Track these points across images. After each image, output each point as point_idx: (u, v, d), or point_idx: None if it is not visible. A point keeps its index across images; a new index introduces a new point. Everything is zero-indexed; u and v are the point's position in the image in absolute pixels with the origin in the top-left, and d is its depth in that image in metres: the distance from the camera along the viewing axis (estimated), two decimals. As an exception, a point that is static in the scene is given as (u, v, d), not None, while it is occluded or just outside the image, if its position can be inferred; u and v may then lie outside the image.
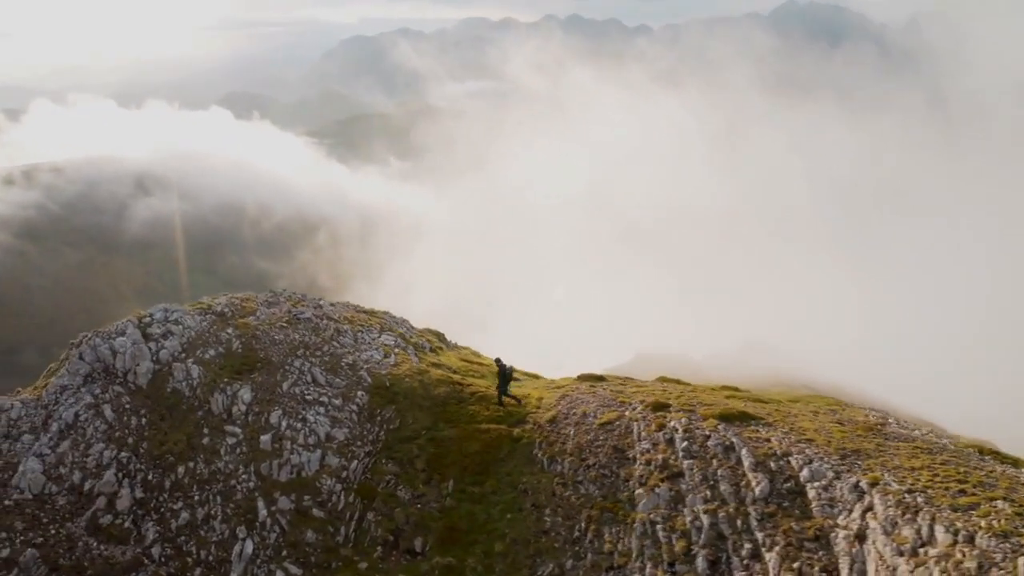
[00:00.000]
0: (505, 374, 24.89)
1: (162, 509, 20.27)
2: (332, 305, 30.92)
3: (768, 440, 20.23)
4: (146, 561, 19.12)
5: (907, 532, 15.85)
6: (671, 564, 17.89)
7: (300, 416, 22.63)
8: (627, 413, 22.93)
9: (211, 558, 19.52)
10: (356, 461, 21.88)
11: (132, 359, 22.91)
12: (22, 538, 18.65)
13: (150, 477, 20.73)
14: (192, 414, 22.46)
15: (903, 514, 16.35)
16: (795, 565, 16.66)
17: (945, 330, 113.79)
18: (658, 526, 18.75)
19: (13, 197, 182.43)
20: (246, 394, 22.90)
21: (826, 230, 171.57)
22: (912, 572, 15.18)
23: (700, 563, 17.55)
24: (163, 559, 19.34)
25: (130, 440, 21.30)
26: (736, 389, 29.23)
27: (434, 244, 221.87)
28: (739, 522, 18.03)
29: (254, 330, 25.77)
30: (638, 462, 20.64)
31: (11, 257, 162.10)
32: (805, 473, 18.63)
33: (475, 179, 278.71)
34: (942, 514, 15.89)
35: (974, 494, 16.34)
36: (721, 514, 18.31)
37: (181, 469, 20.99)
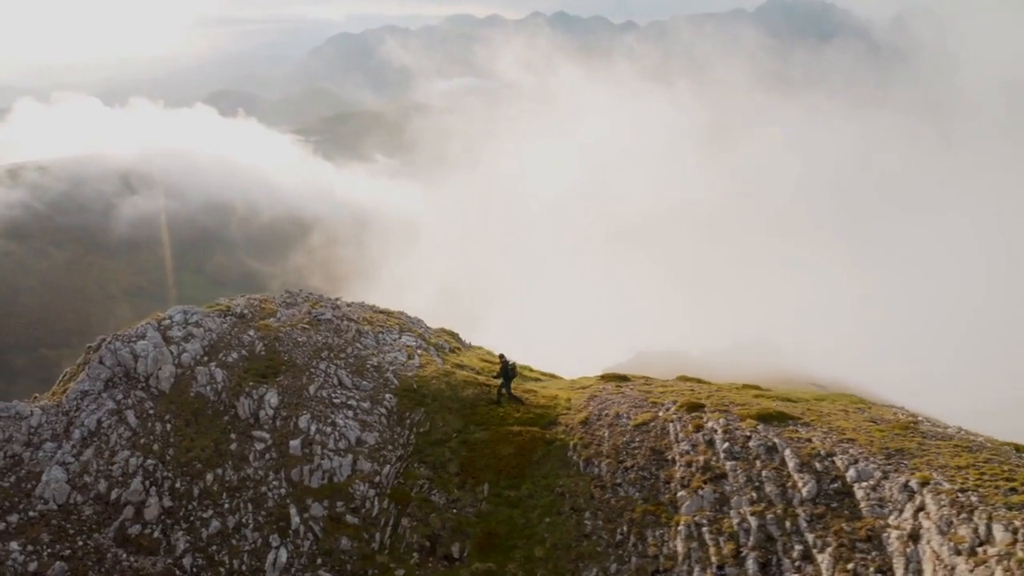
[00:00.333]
0: (508, 371, 24.61)
1: (191, 518, 19.68)
2: (349, 305, 30.38)
3: (809, 440, 20.00)
4: (178, 572, 18.56)
5: (964, 531, 15.68)
6: (720, 567, 17.60)
7: (329, 420, 22.10)
8: (661, 414, 22.63)
9: (244, 568, 18.98)
10: (388, 465, 21.40)
11: (154, 363, 22.27)
12: (49, 551, 18.03)
13: (178, 485, 20.13)
14: (218, 419, 21.86)
15: (958, 513, 16.19)
16: (849, 566, 16.44)
17: (937, 324, 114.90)
18: (704, 528, 18.45)
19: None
20: (273, 398, 22.33)
21: (818, 226, 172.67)
22: (972, 571, 15.01)
23: (750, 565, 17.27)
24: (195, 569, 18.78)
25: (155, 447, 20.68)
26: (759, 387, 29.05)
27: (425, 242, 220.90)
28: (788, 523, 17.78)
29: (276, 332, 25.17)
30: (678, 464, 20.33)
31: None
32: (851, 473, 18.41)
33: (464, 176, 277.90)
34: (998, 512, 15.74)
35: (1025, 492, 16.23)
36: (769, 516, 18.05)
37: (209, 476, 20.41)
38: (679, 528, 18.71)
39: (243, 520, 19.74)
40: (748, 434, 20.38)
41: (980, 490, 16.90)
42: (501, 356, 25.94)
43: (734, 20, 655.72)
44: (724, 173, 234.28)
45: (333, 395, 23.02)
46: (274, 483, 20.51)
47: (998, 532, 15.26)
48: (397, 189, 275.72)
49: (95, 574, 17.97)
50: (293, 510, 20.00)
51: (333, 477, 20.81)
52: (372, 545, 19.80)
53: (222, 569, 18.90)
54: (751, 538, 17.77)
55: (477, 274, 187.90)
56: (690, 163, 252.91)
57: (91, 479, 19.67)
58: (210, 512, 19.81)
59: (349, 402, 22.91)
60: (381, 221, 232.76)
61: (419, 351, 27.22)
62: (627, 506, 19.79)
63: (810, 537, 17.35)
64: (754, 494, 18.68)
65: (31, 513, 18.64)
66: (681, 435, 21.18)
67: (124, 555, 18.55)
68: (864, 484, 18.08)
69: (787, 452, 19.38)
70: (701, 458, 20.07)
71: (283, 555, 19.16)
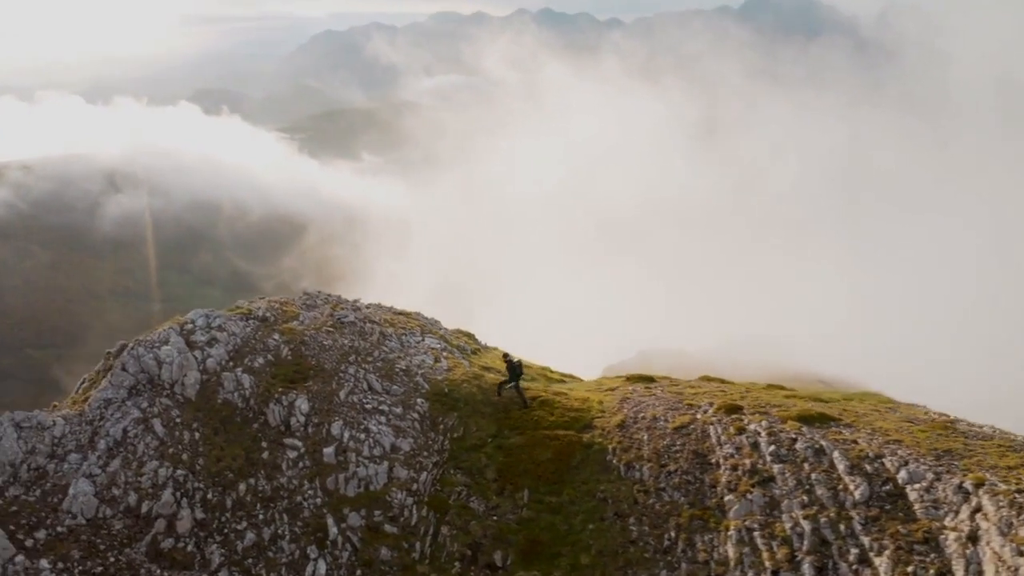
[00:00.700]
0: (514, 370, 24.31)
1: (225, 530, 19.04)
2: (368, 307, 29.80)
3: (855, 442, 19.74)
4: (214, 586, 17.92)
5: (1025, 533, 15.49)
6: (775, 572, 17.30)
7: (362, 426, 21.52)
8: (699, 416, 22.29)
9: (283, 580, 18.37)
10: (425, 472, 20.87)
11: (180, 369, 21.55)
12: (80, 568, 17.33)
13: (210, 496, 19.47)
14: (247, 427, 21.21)
15: (1017, 514, 16.00)
16: (909, 569, 16.21)
17: (931, 320, 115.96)
18: (755, 533, 18.14)
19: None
20: (303, 404, 21.71)
21: (809, 223, 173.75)
22: (1038, 573, 14.83)
23: (807, 570, 16.99)
24: (232, 583, 18.15)
25: (184, 456, 20.00)
26: (783, 387, 28.85)
27: (414, 241, 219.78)
28: (842, 527, 17.51)
29: (301, 335, 24.52)
30: (723, 467, 20.00)
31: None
32: (903, 475, 18.18)
33: (452, 174, 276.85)
34: (1059, 513, 15.57)
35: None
36: (822, 519, 17.77)
37: (242, 486, 19.77)
38: (729, 533, 18.39)
39: (279, 531, 19.14)
40: (793, 436, 20.09)
41: (1037, 491, 16.73)
42: (505, 355, 25.77)
43: (720, 17, 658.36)
44: (714, 170, 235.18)
45: (364, 400, 22.44)
46: (309, 492, 19.93)
47: (1062, 533, 15.09)
48: (383, 187, 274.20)
49: (129, 591, 17.30)
50: (330, 520, 19.42)
51: (369, 485, 20.25)
52: (412, 555, 19.28)
53: (260, 582, 18.29)
54: (805, 542, 17.48)
55: (469, 273, 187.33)
56: (679, 160, 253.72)
57: (120, 492, 18.96)
58: (244, 524, 19.19)
59: (381, 407, 22.34)
60: (368, 219, 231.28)
61: (444, 354, 26.70)
62: (673, 511, 19.43)
63: (866, 540, 17.10)
64: (805, 497, 18.39)
65: (59, 529, 17.91)
66: (723, 438, 20.85)
67: (158, 571, 17.89)
68: (917, 486, 17.86)
69: (835, 454, 19.11)
70: (747, 461, 19.75)
71: (322, 567, 18.60)
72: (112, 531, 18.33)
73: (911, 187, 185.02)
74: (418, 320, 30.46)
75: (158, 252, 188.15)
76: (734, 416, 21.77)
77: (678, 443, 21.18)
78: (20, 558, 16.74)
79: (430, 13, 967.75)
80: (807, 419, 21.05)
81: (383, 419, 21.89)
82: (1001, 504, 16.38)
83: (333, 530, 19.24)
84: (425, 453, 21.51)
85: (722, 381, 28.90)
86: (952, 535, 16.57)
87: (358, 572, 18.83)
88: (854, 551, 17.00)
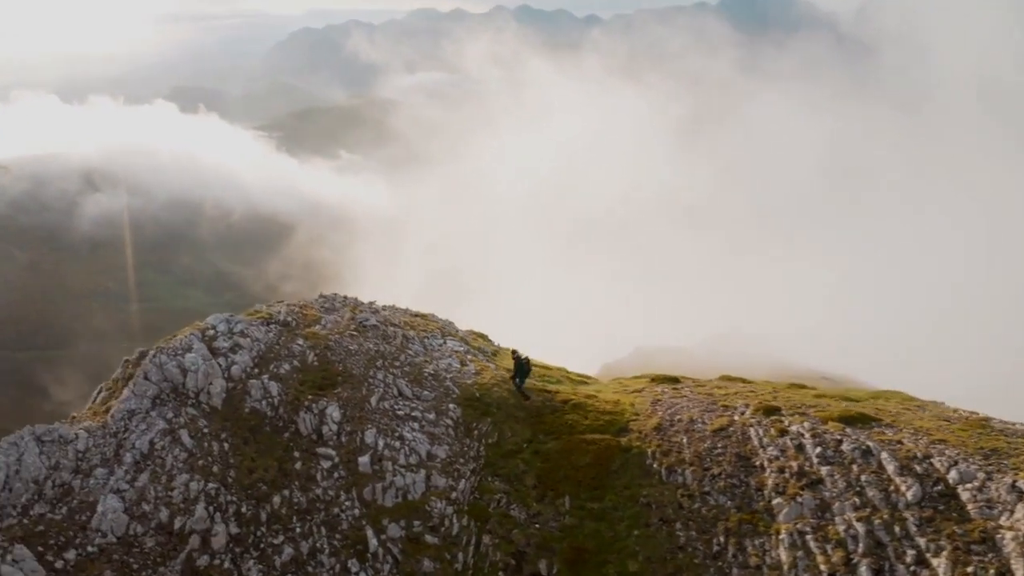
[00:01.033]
0: (522, 366, 24.05)
1: (262, 545, 18.35)
2: (385, 309, 29.12)
3: (900, 442, 19.58)
4: (254, 604, 17.24)
5: (1086, 532, 15.40)
6: (831, 575, 17.04)
7: (396, 434, 20.91)
8: (736, 418, 22.01)
9: (324, 596, 17.75)
10: (463, 480, 20.33)
11: (205, 377, 20.76)
12: (114, 587, 16.55)
13: (243, 509, 18.76)
14: (278, 436, 20.49)
15: (1075, 514, 15.90)
16: (969, 570, 16.06)
17: (914, 312, 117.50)
18: (808, 536, 17.88)
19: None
20: (335, 412, 21.03)
21: (792, 216, 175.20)
22: (1102, 573, 14.73)
23: (864, 572, 16.77)
24: (272, 600, 17.48)
25: (215, 469, 19.25)
26: (804, 386, 28.72)
27: (397, 238, 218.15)
28: (896, 528, 17.31)
29: (325, 340, 23.81)
30: (768, 470, 19.72)
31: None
32: (953, 475, 18.03)
33: (434, 171, 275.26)
34: (1117, 512, 15.48)
35: None
36: (876, 521, 17.56)
37: (277, 499, 19.08)
38: (781, 537, 18.10)
39: (317, 545, 18.49)
40: (838, 438, 19.86)
41: (1089, 489, 16.66)
42: (513, 352, 25.48)
43: (698, 13, 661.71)
44: (698, 166, 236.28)
45: (396, 407, 21.83)
46: (346, 503, 19.29)
47: (1123, 532, 14.98)
48: (364, 185, 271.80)
49: (166, 611, 16.57)
50: (369, 532, 18.81)
51: (407, 495, 19.66)
52: (455, 566, 18.76)
53: (301, 599, 17.64)
54: (860, 545, 17.25)
55: (455, 272, 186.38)
56: (663, 157, 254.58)
57: (150, 507, 18.17)
58: (281, 538, 18.51)
59: (413, 413, 21.74)
60: (352, 218, 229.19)
61: (469, 357, 26.16)
62: (720, 515, 19.11)
63: (922, 541, 16.91)
64: (856, 499, 18.17)
65: (90, 548, 17.11)
66: (765, 440, 20.58)
67: (195, 588, 17.15)
68: (969, 486, 17.72)
69: (884, 455, 18.91)
70: (793, 464, 19.49)
71: (364, 581, 17.97)
72: (144, 549, 17.56)
73: (894, 181, 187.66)
74: (436, 322, 29.87)
75: (137, 252, 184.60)
76: (773, 418, 21.51)
77: (719, 446, 20.87)
78: (52, 580, 15.95)
79: (408, 10, 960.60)
80: (848, 420, 20.85)
81: (416, 426, 21.31)
82: (1057, 503, 16.28)
83: (373, 542, 18.64)
84: (461, 460, 20.97)
85: (744, 381, 28.67)
86: (1009, 534, 16.43)
87: (400, 585, 18.25)
88: (911, 553, 16.80)
